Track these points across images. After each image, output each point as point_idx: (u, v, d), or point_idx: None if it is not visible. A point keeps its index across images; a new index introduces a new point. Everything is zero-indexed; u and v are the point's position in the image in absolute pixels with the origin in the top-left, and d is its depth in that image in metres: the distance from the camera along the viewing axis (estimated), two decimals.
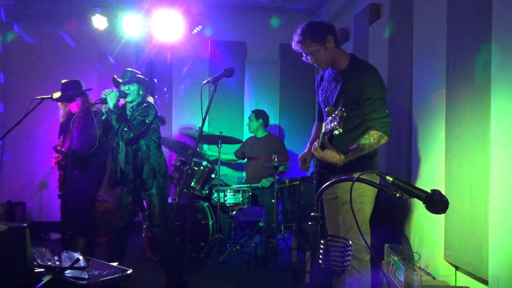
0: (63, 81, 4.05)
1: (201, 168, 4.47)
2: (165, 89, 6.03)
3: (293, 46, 2.61)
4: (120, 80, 3.43)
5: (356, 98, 2.49)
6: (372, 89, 2.46)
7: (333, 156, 2.32)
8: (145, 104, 3.39)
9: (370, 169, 2.55)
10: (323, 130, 2.30)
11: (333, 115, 2.15)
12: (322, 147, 2.33)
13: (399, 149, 3.67)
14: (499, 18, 2.46)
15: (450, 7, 2.97)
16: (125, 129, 3.28)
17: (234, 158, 5.54)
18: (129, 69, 3.48)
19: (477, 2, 2.68)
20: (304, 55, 2.60)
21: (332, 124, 2.14)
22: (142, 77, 3.48)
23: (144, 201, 3.57)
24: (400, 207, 3.65)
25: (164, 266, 3.51)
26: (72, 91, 3.95)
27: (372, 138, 2.41)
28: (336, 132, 2.13)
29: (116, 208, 3.53)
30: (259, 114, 5.30)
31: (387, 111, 2.48)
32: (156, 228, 3.42)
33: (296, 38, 2.56)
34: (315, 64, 2.62)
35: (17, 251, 1.75)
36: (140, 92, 3.45)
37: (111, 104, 3.33)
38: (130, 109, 3.45)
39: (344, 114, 2.10)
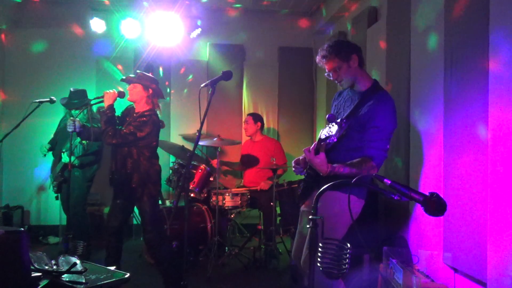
0: (71, 89, 4.47)
1: (200, 171, 4.46)
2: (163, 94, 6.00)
3: (317, 61, 2.58)
4: (123, 77, 3.46)
5: (364, 122, 2.42)
6: (383, 119, 2.39)
7: (321, 163, 2.29)
8: (144, 119, 3.37)
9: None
10: (320, 137, 2.29)
11: (332, 123, 2.14)
12: (317, 152, 2.30)
13: (397, 151, 3.67)
14: (497, 17, 2.46)
15: (448, 8, 2.98)
16: (110, 133, 3.28)
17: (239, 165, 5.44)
18: (139, 71, 3.49)
19: (475, 1, 2.69)
20: (327, 71, 2.57)
21: (330, 132, 2.13)
22: (150, 79, 3.46)
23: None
24: (398, 210, 3.65)
25: (160, 270, 3.51)
26: (78, 99, 4.30)
27: (364, 164, 2.35)
28: (331, 141, 2.12)
29: (110, 208, 3.54)
30: (257, 117, 5.28)
31: (388, 147, 2.43)
32: (148, 234, 3.43)
33: (321, 52, 2.53)
34: (336, 81, 2.57)
35: (14, 255, 1.74)
36: (146, 96, 3.44)
37: (106, 103, 3.36)
38: (135, 114, 3.45)
39: (343, 124, 2.09)
